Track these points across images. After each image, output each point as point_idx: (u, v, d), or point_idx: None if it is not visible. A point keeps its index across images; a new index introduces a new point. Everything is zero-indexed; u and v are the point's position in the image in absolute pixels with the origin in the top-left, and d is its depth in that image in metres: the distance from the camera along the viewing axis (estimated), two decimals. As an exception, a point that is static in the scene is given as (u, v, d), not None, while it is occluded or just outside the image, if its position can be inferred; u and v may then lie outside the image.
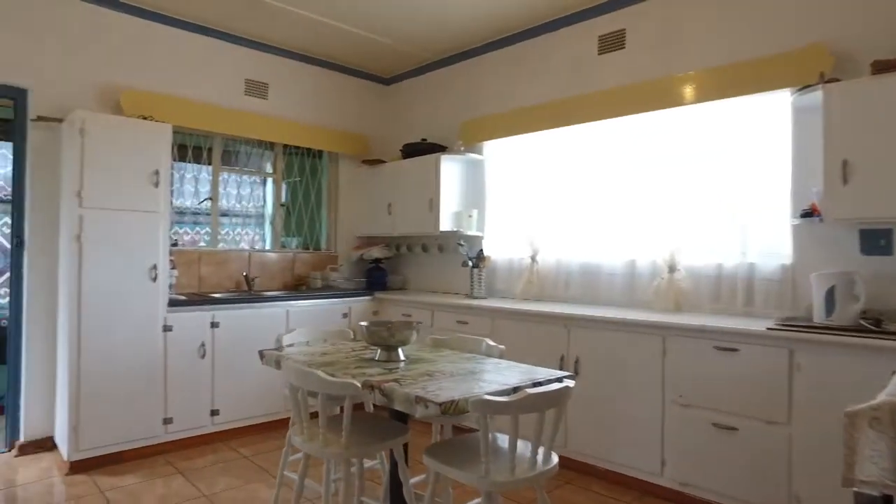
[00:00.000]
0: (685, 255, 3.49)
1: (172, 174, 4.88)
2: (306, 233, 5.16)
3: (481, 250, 4.44)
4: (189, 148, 4.46)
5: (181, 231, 4.67)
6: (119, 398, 3.46)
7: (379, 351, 2.53)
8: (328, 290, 4.71)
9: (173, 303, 3.70)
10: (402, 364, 2.41)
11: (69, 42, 3.80)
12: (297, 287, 4.85)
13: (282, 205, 4.97)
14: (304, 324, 4.24)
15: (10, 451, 3.63)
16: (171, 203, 4.36)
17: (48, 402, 3.68)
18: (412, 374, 2.19)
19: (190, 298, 3.88)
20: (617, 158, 3.88)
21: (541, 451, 2.04)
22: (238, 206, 4.81)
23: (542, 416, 1.90)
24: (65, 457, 3.35)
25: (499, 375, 2.21)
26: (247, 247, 4.81)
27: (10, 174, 3.76)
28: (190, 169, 4.56)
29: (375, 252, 5.09)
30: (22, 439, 3.64)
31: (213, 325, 3.85)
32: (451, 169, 4.63)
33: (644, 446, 3.11)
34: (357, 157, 5.30)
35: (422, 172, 4.71)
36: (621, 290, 3.81)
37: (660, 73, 3.60)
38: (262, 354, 2.73)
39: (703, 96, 3.38)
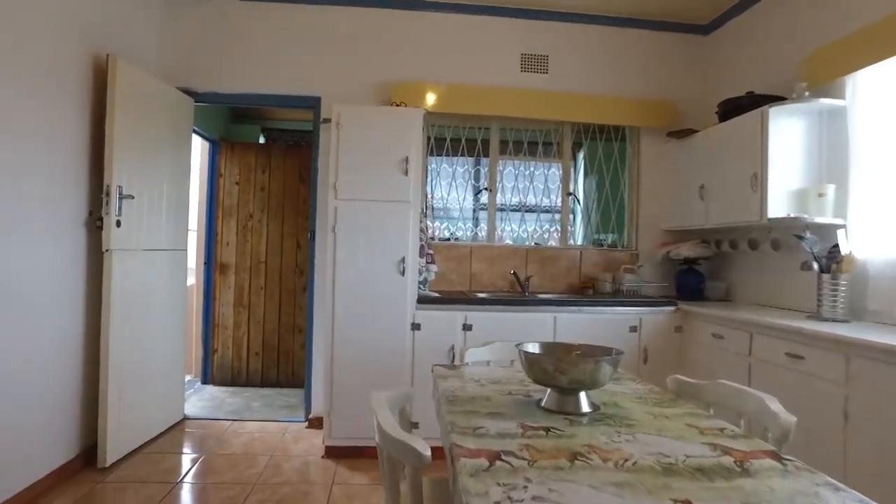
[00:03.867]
0: None
1: (474, 171, 4.69)
2: (599, 226, 4.23)
3: (836, 246, 2.74)
4: (462, 140, 4.12)
5: (464, 227, 4.39)
6: (366, 392, 3.30)
7: (548, 393, 1.57)
8: (617, 297, 3.70)
9: (423, 299, 3.37)
10: (582, 419, 1.42)
11: (349, 46, 3.91)
12: (583, 290, 3.97)
13: (569, 194, 4.17)
14: (578, 335, 3.39)
15: (305, 421, 3.92)
16: (425, 194, 4.13)
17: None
18: (546, 449, 1.20)
19: (442, 296, 3.49)
20: None
21: None
22: (516, 199, 4.25)
23: None
24: (323, 440, 3.38)
25: (716, 489, 1.01)
26: (527, 243, 4.19)
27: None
28: (464, 163, 4.24)
29: (685, 250, 3.80)
30: (311, 414, 3.89)
31: (466, 327, 3.37)
32: (787, 126, 3.03)
33: None
34: (662, 129, 4.07)
35: (742, 137, 3.24)
36: None
37: None
38: (433, 370, 2.09)
39: None
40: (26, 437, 2.67)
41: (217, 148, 4.85)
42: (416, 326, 3.34)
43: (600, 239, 4.20)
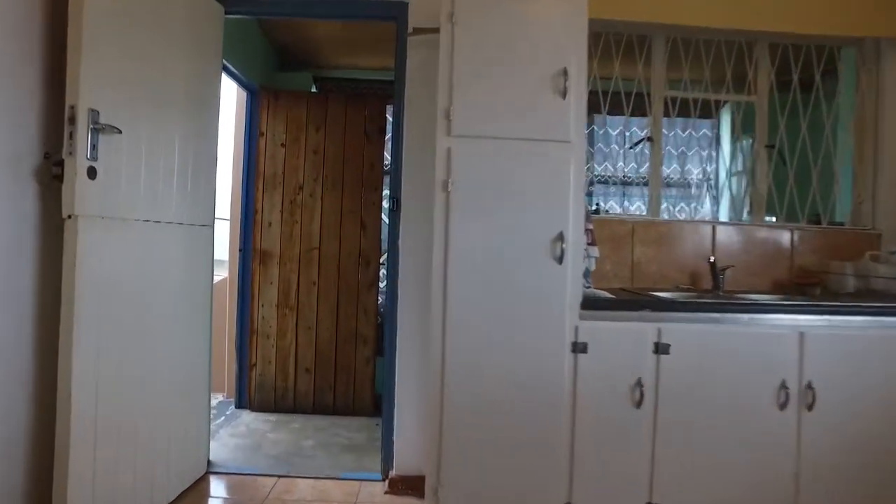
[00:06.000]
0: None
1: (593, 131, 3.28)
2: (815, 195, 2.69)
3: None
4: (607, 95, 2.67)
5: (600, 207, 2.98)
6: (497, 454, 1.90)
7: None
8: (878, 299, 2.22)
9: (591, 304, 1.95)
10: None
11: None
12: (803, 287, 2.49)
13: (769, 146, 2.67)
14: (844, 367, 1.95)
15: (383, 480, 2.54)
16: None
17: (422, 425, 2.44)
18: None
19: (618, 297, 2.07)
20: None
21: None
22: (679, 169, 2.79)
23: None
24: (426, 531, 1.99)
25: None
26: (709, 217, 2.72)
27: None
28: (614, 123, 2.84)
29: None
30: (394, 471, 2.50)
31: (659, 347, 1.94)
32: None
33: None
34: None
35: None
36: None
37: None
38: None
39: None
40: None
41: (257, 99, 3.51)
42: (579, 347, 1.92)
43: (811, 211, 2.68)
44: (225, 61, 2.80)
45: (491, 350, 1.91)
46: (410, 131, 2.48)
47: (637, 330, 1.95)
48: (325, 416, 3.44)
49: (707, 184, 3.25)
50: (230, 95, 3.47)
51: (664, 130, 2.85)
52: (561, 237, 1.90)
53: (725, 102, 3.01)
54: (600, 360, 1.93)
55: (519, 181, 1.91)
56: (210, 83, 2.52)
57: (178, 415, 2.28)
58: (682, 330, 1.96)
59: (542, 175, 1.92)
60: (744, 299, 2.17)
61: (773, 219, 2.76)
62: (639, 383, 1.93)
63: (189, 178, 2.31)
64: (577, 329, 1.92)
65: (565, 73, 1.92)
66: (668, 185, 3.76)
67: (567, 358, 1.92)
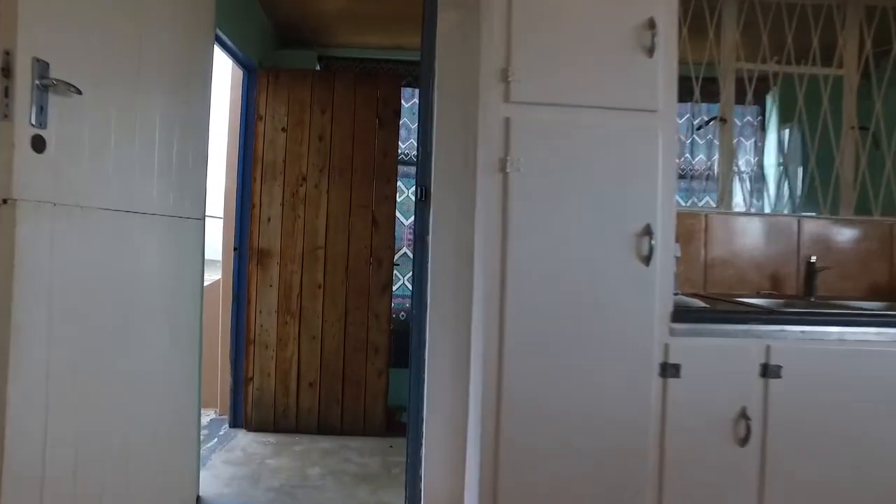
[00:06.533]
0: None
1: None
2: None
3: None
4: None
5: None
6: (567, 499, 1.50)
7: None
8: None
9: (685, 316, 1.52)
10: None
11: None
12: (908, 294, 2.10)
13: (862, 128, 2.24)
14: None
15: (408, 520, 2.11)
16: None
17: (458, 449, 2.00)
18: None
19: (714, 307, 1.65)
20: None
21: None
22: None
23: None
24: None
25: None
26: (787, 211, 2.28)
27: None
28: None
29: None
30: (422, 502, 2.07)
31: (767, 370, 1.51)
32: None
33: None
34: None
35: None
36: None
37: None
38: None
39: None
40: None
41: (255, 78, 3.05)
42: (670, 369, 1.49)
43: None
44: (219, 31, 2.36)
45: (560, 372, 1.48)
46: (439, 110, 2.04)
47: (739, 348, 1.52)
48: (331, 436, 2.99)
49: (740, 175, 2.84)
50: (224, 73, 3.03)
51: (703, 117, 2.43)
52: (648, 231, 1.47)
53: (775, 83, 2.59)
54: (695, 386, 1.50)
55: (595, 160, 1.48)
56: (202, 51, 2.07)
57: (159, 445, 1.83)
58: (794, 348, 1.53)
59: (624, 152, 1.49)
60: (862, 309, 1.75)
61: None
62: (743, 414, 1.50)
63: (174, 160, 1.86)
64: (667, 347, 1.49)
65: (652, 24, 1.49)
66: (692, 178, 3.42)
67: (655, 383, 1.49)
